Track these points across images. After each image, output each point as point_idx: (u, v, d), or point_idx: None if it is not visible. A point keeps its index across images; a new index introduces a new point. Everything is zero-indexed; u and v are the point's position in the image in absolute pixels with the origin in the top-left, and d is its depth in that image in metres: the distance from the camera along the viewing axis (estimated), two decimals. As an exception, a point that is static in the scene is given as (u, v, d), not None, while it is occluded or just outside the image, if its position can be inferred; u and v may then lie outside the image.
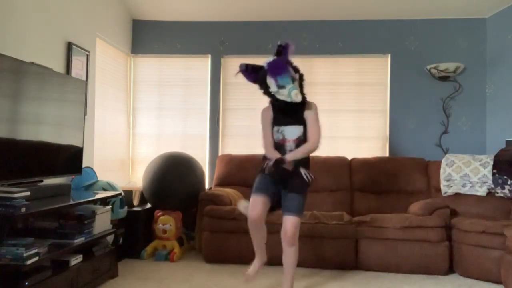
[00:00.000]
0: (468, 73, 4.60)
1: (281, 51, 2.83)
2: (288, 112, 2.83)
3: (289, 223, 2.77)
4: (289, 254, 2.84)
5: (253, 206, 2.81)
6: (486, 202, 3.88)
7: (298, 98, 2.72)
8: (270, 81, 2.76)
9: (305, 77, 2.89)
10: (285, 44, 2.85)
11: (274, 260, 3.30)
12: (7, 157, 2.55)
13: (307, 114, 2.83)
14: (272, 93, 2.79)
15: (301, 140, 2.82)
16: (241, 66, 2.91)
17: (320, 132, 2.82)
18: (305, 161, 2.87)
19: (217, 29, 4.90)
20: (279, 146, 2.85)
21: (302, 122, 2.83)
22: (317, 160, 4.32)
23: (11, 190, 2.29)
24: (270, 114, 2.90)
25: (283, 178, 2.82)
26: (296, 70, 2.83)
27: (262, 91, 2.87)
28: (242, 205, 2.99)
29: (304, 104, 2.83)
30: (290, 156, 2.78)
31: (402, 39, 4.73)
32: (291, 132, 2.82)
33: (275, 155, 2.82)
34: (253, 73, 2.86)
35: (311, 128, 2.81)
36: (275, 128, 2.87)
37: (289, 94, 2.71)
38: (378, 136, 4.76)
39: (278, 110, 2.86)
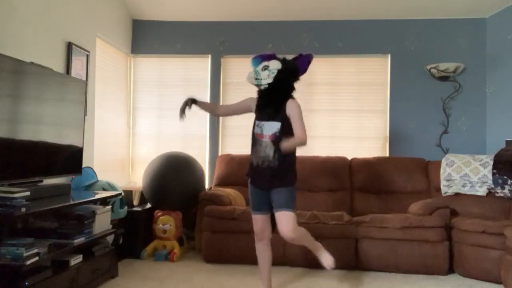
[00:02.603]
0: (468, 73, 4.60)
1: (297, 57, 2.85)
2: (267, 108, 2.79)
3: (284, 220, 2.70)
4: (300, 239, 2.80)
5: (254, 223, 2.91)
6: (486, 202, 3.88)
7: (247, 77, 2.78)
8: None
9: (299, 78, 2.87)
10: (304, 54, 2.86)
11: (275, 260, 3.31)
12: (7, 157, 2.55)
13: (290, 111, 2.74)
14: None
15: (277, 136, 2.71)
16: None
17: (304, 127, 2.72)
18: (287, 174, 2.78)
19: (217, 29, 4.89)
20: (255, 140, 2.81)
21: (281, 119, 2.74)
22: (317, 160, 4.33)
23: (11, 190, 2.29)
24: (253, 103, 2.91)
25: (265, 180, 2.79)
26: (286, 64, 2.80)
27: None
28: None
29: (284, 98, 2.78)
30: (284, 146, 2.67)
31: (402, 39, 4.73)
32: (269, 128, 2.75)
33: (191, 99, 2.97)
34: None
35: (296, 126, 2.72)
36: (257, 122, 2.84)
37: (250, 78, 2.80)
38: (378, 136, 4.76)
39: (260, 98, 2.86)
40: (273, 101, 2.79)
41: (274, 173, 2.74)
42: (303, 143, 2.71)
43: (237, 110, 3.08)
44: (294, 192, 2.80)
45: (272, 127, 2.74)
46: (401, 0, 4.42)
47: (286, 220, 2.70)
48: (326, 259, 2.85)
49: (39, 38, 3.24)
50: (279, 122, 2.73)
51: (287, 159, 2.76)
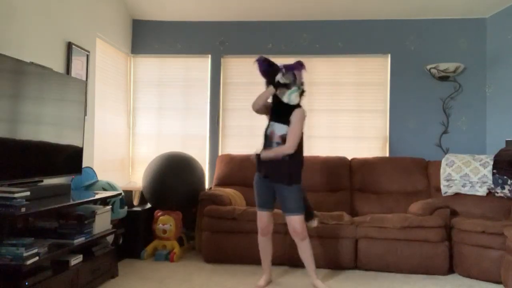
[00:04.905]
0: (468, 73, 4.60)
1: (295, 66, 3.09)
2: (280, 111, 3.07)
3: (294, 222, 3.04)
4: (304, 248, 3.08)
5: (259, 219, 3.19)
6: (486, 202, 3.88)
7: (293, 101, 3.02)
8: (280, 76, 3.01)
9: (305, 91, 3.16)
10: (301, 63, 3.11)
11: (275, 260, 3.32)
12: (7, 157, 2.55)
13: (292, 118, 3.01)
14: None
15: (285, 138, 3.00)
16: (260, 57, 3.16)
17: (296, 137, 2.98)
18: (293, 173, 3.04)
19: (217, 29, 4.89)
20: (269, 139, 3.07)
21: (288, 123, 3.02)
22: (317, 160, 4.33)
23: (11, 190, 2.29)
24: (270, 104, 3.15)
25: (271, 168, 3.03)
26: (301, 83, 3.11)
27: (266, 84, 3.12)
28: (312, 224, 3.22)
29: (293, 108, 3.05)
30: (263, 154, 3.03)
31: (402, 39, 4.73)
32: (279, 128, 3.04)
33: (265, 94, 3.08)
34: (267, 66, 3.09)
35: (290, 132, 2.99)
36: (270, 123, 3.12)
37: (290, 94, 3.01)
38: (378, 136, 4.76)
39: (274, 106, 3.12)
40: (287, 111, 3.05)
41: (281, 164, 3.00)
42: (286, 153, 2.97)
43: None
44: (301, 191, 3.05)
45: (281, 128, 3.04)
46: (401, 0, 4.42)
47: (296, 222, 3.03)
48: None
49: (39, 38, 3.24)
50: (287, 125, 3.03)
51: (294, 156, 3.01)
